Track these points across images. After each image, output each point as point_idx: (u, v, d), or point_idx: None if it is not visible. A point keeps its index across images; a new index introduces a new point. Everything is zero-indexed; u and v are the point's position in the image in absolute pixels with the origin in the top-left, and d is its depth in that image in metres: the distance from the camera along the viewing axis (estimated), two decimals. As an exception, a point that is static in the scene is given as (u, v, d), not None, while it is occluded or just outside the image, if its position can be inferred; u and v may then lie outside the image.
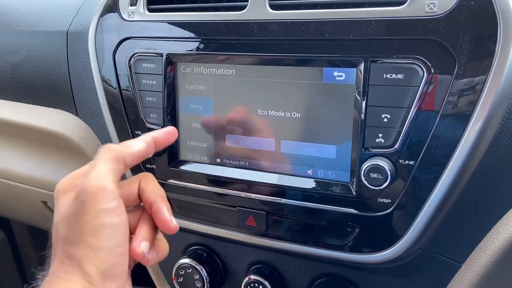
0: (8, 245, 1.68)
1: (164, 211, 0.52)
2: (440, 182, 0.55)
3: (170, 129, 0.57)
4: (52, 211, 1.15)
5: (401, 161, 0.56)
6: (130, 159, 0.52)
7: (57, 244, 0.50)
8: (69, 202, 0.50)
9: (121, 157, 0.51)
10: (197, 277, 0.75)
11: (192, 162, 0.71)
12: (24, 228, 1.61)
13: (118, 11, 0.72)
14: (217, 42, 0.64)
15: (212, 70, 0.66)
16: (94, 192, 0.48)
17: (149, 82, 0.70)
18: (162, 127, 0.70)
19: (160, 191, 0.54)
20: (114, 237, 0.48)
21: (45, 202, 1.12)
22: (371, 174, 0.56)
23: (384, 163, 0.55)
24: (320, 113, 0.61)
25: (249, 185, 0.67)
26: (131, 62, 0.71)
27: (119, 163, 0.51)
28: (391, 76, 0.55)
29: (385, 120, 0.56)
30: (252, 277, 0.72)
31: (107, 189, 0.48)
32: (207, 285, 0.75)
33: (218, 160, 0.69)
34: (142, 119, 0.72)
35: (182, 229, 0.78)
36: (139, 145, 0.53)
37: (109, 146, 0.52)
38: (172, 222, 0.52)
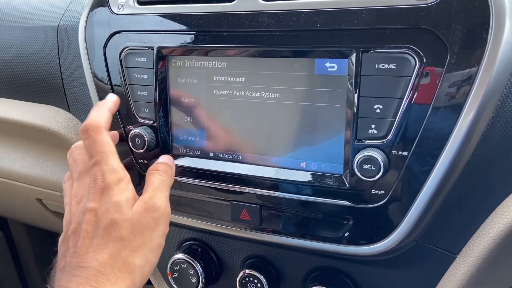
0: (5, 243, 1.67)
1: None
2: (433, 172, 0.54)
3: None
4: (47, 209, 1.14)
5: (394, 152, 0.55)
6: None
7: (109, 241, 0.51)
8: (135, 209, 0.54)
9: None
10: (192, 272, 0.74)
11: (185, 156, 0.71)
12: (21, 227, 1.60)
13: (108, 5, 0.71)
14: (208, 34, 0.64)
15: (204, 63, 0.66)
16: (165, 215, 0.56)
17: (140, 76, 0.70)
18: (154, 122, 0.70)
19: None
20: (159, 257, 0.55)
21: (40, 200, 1.12)
22: (364, 165, 0.56)
23: (377, 154, 0.55)
24: (313, 104, 0.60)
25: (242, 179, 0.66)
26: (121, 56, 0.71)
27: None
28: (383, 66, 0.54)
29: (378, 110, 0.55)
30: (247, 271, 0.71)
31: (170, 216, 0.57)
32: (202, 280, 0.74)
33: (211, 154, 0.69)
34: (134, 113, 0.71)
35: (176, 224, 0.77)
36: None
37: (165, 175, 0.60)
38: None
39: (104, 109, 0.61)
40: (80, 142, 0.61)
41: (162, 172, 0.60)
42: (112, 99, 0.64)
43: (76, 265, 0.50)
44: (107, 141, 0.57)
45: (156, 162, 0.63)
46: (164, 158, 0.64)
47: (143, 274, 0.52)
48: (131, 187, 0.56)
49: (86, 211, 0.54)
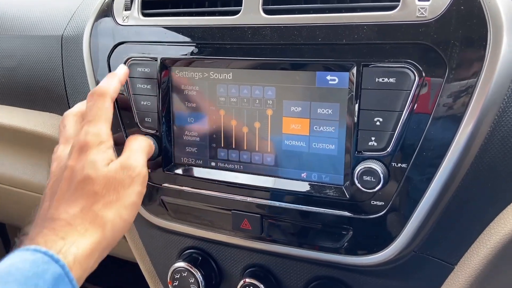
0: (3, 248, 1.67)
1: None
2: (432, 184, 0.55)
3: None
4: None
5: (393, 164, 0.56)
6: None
7: (82, 195, 0.52)
8: (110, 167, 0.55)
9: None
10: (193, 281, 0.75)
11: (187, 165, 0.72)
12: (19, 232, 1.60)
13: (112, 16, 0.73)
14: (211, 46, 0.65)
15: (206, 74, 0.67)
16: (141, 175, 0.57)
17: (143, 86, 0.71)
18: (157, 131, 0.71)
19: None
20: (134, 216, 0.56)
21: (40, 206, 1.12)
22: (364, 177, 0.57)
23: (377, 166, 0.56)
24: (314, 117, 0.61)
25: (243, 189, 0.67)
26: (125, 66, 0.72)
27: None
28: (383, 80, 0.55)
29: (378, 123, 0.56)
30: (247, 280, 0.72)
31: (147, 178, 0.58)
32: (202, 289, 0.75)
33: (213, 164, 0.70)
34: (137, 123, 0.72)
35: (177, 233, 0.78)
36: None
37: (144, 142, 0.63)
38: None
39: (115, 79, 0.63)
40: (72, 109, 0.64)
41: (141, 139, 0.63)
42: (123, 71, 0.67)
43: (47, 217, 0.51)
44: (107, 107, 0.59)
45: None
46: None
47: (115, 228, 0.53)
48: (111, 152, 0.57)
49: (65, 169, 0.55)
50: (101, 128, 0.57)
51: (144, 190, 0.57)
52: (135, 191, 0.55)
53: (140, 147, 0.60)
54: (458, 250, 0.61)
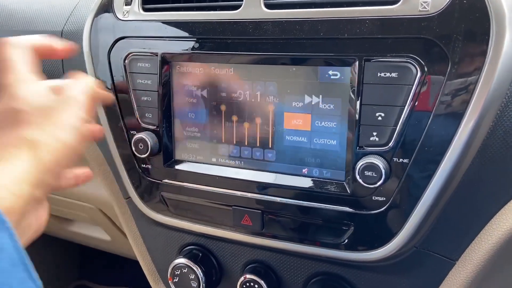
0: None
1: None
2: (433, 179, 0.55)
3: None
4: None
5: (395, 159, 0.56)
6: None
7: (6, 125, 0.47)
8: (51, 97, 0.50)
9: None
10: (193, 277, 0.75)
11: (188, 161, 0.71)
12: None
13: (113, 11, 0.72)
14: (212, 41, 0.65)
15: (207, 69, 0.67)
16: (78, 100, 0.51)
17: (144, 81, 0.70)
18: (157, 127, 0.71)
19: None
20: (75, 140, 0.49)
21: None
22: (365, 172, 0.56)
23: (379, 161, 0.56)
24: (315, 111, 0.61)
25: (244, 184, 0.67)
26: (126, 61, 0.71)
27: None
28: (385, 74, 0.55)
29: (379, 118, 0.56)
30: (247, 276, 0.71)
31: (86, 105, 0.51)
32: (202, 285, 0.75)
33: (214, 159, 0.70)
34: (137, 118, 0.72)
35: (177, 229, 0.78)
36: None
37: (92, 89, 0.54)
38: None
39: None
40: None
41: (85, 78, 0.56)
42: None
43: None
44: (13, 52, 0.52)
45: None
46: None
47: (51, 150, 0.47)
48: (31, 75, 0.51)
49: None
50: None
51: (84, 115, 0.51)
52: (72, 113, 0.50)
53: (80, 82, 0.54)
54: (460, 245, 0.61)
